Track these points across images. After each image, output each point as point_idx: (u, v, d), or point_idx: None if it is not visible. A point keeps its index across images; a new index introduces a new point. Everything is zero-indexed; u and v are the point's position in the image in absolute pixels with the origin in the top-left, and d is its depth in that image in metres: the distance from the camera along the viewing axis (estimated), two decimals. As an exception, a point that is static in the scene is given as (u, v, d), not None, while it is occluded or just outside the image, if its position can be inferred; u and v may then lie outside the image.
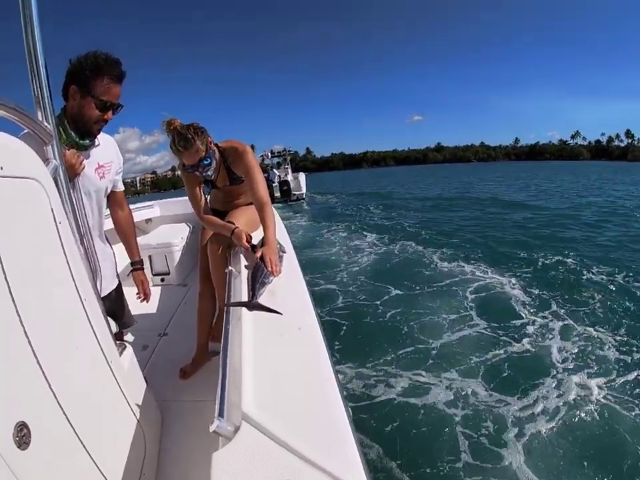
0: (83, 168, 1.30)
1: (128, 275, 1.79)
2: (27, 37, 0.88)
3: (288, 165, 24.21)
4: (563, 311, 4.11)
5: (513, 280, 5.10)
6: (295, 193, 19.20)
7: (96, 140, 1.36)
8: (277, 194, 18.72)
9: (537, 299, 4.47)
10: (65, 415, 0.70)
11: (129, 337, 2.24)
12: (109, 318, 1.06)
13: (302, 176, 21.00)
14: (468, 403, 2.73)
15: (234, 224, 1.63)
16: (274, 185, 18.84)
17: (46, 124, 0.95)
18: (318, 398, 0.70)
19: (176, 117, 1.55)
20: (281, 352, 0.85)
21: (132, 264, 1.77)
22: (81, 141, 1.28)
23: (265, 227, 1.54)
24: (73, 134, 1.25)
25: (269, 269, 1.30)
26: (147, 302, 1.84)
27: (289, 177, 20.46)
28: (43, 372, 0.65)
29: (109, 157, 1.46)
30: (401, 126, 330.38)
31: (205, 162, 1.57)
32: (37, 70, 0.91)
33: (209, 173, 1.62)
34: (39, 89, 0.93)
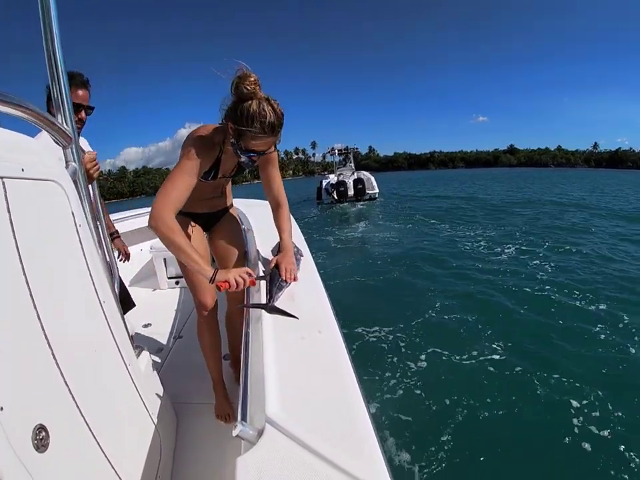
0: (99, 170, 1.32)
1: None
2: (46, 43, 0.89)
3: (352, 162, 23.56)
4: None
5: None
6: (368, 192, 18.68)
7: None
8: (351, 192, 18.21)
9: None
10: (84, 417, 0.70)
11: (144, 339, 2.26)
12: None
13: (369, 175, 20.31)
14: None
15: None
16: (348, 183, 18.37)
17: (66, 126, 0.95)
18: (342, 401, 0.68)
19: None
20: (302, 355, 0.83)
21: (110, 235, 2.05)
22: None
23: (281, 230, 1.40)
24: None
25: (284, 277, 1.20)
26: (128, 261, 2.29)
27: (355, 175, 19.82)
28: (63, 375, 0.65)
29: None
30: (465, 127, 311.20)
31: (265, 152, 1.22)
32: (56, 74, 0.92)
33: (252, 165, 1.30)
34: (58, 92, 0.94)
